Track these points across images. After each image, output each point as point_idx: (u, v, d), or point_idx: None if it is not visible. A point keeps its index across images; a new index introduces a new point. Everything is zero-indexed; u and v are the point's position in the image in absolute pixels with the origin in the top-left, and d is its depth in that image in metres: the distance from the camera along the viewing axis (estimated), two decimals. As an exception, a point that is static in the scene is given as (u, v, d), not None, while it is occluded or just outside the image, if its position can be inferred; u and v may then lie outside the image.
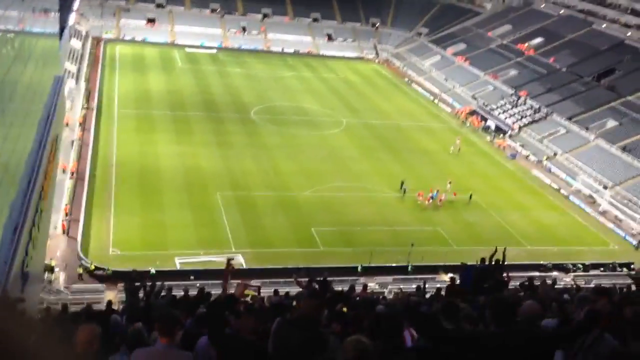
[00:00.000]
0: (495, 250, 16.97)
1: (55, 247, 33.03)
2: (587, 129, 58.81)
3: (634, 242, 42.96)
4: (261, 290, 23.44)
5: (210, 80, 69.28)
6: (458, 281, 16.87)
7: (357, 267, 34.81)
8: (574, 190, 50.56)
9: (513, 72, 75.00)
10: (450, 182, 46.26)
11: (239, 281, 8.63)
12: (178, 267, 33.12)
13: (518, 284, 18.71)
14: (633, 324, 6.43)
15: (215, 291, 24.31)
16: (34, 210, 24.11)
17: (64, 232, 34.93)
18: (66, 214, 36.31)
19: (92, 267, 31.92)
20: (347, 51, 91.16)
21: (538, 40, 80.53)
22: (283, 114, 60.82)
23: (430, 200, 44.18)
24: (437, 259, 36.30)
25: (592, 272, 38.00)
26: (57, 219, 35.30)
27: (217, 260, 33.12)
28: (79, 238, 34.39)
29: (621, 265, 39.21)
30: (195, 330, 8.90)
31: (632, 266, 39.27)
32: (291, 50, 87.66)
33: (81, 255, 32.97)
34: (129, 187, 41.27)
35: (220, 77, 70.89)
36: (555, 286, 22.57)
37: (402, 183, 45.37)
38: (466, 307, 10.03)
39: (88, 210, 37.32)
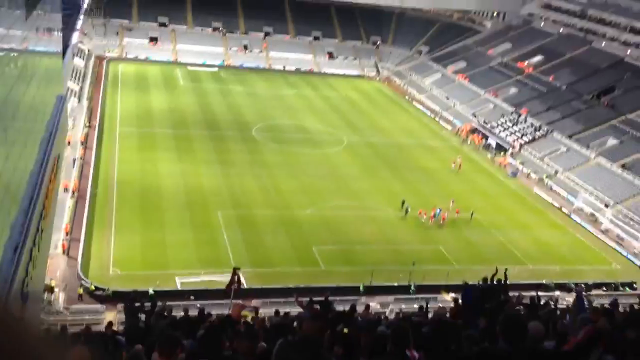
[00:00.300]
0: (497, 271, 16.93)
1: (56, 266, 32.92)
2: (587, 147, 58.90)
3: (638, 262, 42.75)
4: (262, 310, 23.35)
5: (211, 98, 69.59)
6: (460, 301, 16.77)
7: (359, 287, 34.59)
8: (576, 209, 50.47)
9: (513, 90, 75.28)
10: (453, 201, 46.20)
11: (238, 301, 8.62)
12: (179, 286, 32.97)
13: (520, 300, 18.61)
14: (634, 345, 6.38)
15: (216, 311, 24.24)
16: (34, 230, 24.10)
17: (64, 252, 34.81)
18: (67, 234, 36.23)
19: (92, 288, 31.78)
20: (348, 69, 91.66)
21: (538, 58, 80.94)
22: (284, 132, 60.99)
23: (433, 219, 44.11)
24: (439, 278, 36.15)
25: (594, 292, 37.70)
26: (58, 239, 35.22)
27: (217, 279, 33.03)
28: (79, 258, 34.29)
29: (623, 284, 39.01)
30: (199, 350, 8.85)
31: (634, 285, 39.06)
32: (293, 69, 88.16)
33: (81, 275, 32.86)
34: (130, 205, 41.26)
35: (221, 95, 71.21)
36: (558, 305, 22.44)
37: (403, 202, 45.24)
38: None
39: (89, 230, 37.28)
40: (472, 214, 45.47)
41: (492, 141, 65.15)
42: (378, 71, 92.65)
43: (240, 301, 21.79)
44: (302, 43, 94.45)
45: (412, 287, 35.47)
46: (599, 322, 8.40)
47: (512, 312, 12.64)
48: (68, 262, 34.10)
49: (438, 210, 44.68)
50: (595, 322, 7.88)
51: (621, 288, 38.58)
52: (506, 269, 17.19)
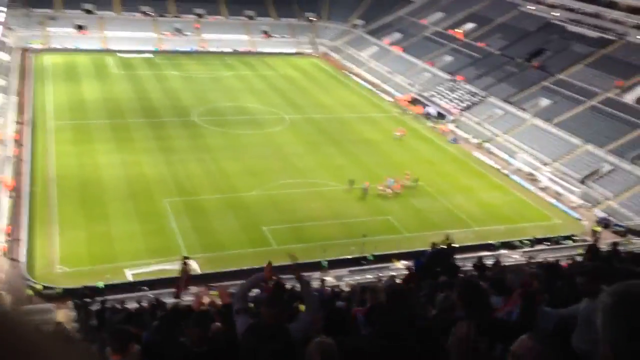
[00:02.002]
0: (447, 238, 17.42)
1: (-1, 269, 31.80)
2: (523, 109, 60.70)
3: (575, 215, 44.62)
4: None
5: (147, 85, 67.89)
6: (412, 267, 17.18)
7: (320, 262, 34.71)
8: (515, 169, 52.11)
9: (448, 58, 76.55)
10: (407, 174, 46.65)
11: (200, 289, 8.58)
12: (130, 278, 32.40)
13: (471, 265, 19.20)
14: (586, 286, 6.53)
15: (170, 300, 23.99)
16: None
17: (6, 254, 33.59)
18: (8, 235, 34.94)
19: (40, 287, 30.87)
20: (285, 47, 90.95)
21: (470, 25, 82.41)
22: (225, 115, 60.25)
23: (388, 190, 44.46)
24: (391, 248, 36.81)
25: (537, 247, 39.25)
26: (-1, 241, 34.05)
27: (169, 268, 32.60)
28: (24, 258, 33.18)
29: (565, 237, 40.72)
30: (155, 340, 8.74)
31: (574, 237, 40.81)
32: (229, 50, 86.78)
33: (27, 276, 31.82)
34: (72, 200, 40.07)
35: (157, 81, 69.56)
36: (503, 264, 23.27)
37: (352, 182, 44.95)
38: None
39: (31, 229, 36.05)
40: (416, 181, 46.21)
41: (432, 109, 66.25)
42: (315, 47, 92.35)
43: (198, 289, 21.48)
44: (236, 23, 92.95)
45: (370, 256, 35.98)
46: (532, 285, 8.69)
47: (470, 279, 13.00)
48: (12, 263, 32.94)
49: (391, 180, 45.09)
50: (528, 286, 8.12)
51: (562, 242, 40.24)
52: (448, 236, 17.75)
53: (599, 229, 41.30)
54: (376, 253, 36.23)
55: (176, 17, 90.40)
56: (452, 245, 17.20)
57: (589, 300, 5.91)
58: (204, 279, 32.03)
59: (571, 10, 75.37)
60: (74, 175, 43.67)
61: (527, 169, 51.87)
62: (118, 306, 22.86)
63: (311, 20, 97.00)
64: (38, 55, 74.99)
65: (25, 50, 75.18)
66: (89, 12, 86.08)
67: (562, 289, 9.19)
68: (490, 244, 38.38)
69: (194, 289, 23.12)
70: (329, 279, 31.05)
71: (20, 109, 55.55)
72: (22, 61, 71.02)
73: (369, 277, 33.26)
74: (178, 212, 39.72)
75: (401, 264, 33.92)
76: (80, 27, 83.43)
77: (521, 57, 70.99)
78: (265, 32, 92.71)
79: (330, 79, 79.15)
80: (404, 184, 45.66)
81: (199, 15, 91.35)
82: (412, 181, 46.16)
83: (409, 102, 68.74)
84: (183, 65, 77.87)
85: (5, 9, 65.29)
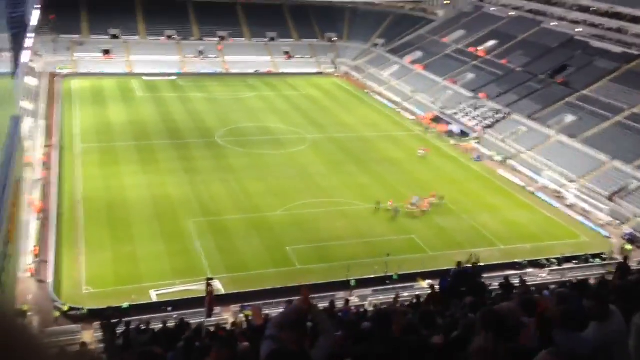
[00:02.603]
0: (471, 256, 17.21)
1: (27, 290, 32.21)
2: (547, 125, 60.11)
3: (604, 233, 43.79)
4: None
5: (171, 107, 68.81)
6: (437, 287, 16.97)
7: (345, 281, 34.57)
8: (541, 187, 51.46)
9: (470, 76, 76.34)
10: (433, 194, 46.47)
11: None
12: (154, 299, 32.55)
13: (497, 284, 18.92)
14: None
15: (195, 320, 24.03)
16: (1, 256, 23.51)
17: (34, 275, 34.03)
18: (35, 256, 35.42)
19: (67, 308, 31.15)
20: (306, 67, 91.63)
21: (491, 42, 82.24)
22: (248, 135, 60.68)
23: (415, 207, 44.40)
24: (415, 267, 36.49)
25: (566, 266, 38.58)
26: (27, 262, 34.52)
27: (194, 288, 32.76)
28: (51, 279, 33.56)
29: (593, 256, 39.95)
30: (181, 359, 8.75)
31: (603, 256, 40.02)
32: (251, 71, 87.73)
33: (54, 296, 32.17)
34: (98, 222, 40.55)
35: (181, 103, 70.48)
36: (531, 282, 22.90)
37: (379, 203, 44.59)
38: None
39: (58, 250, 36.49)
40: (442, 198, 46.07)
41: (455, 127, 65.95)
42: (336, 67, 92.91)
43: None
44: (258, 45, 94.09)
45: (395, 276, 35.66)
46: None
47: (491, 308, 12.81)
48: (39, 284, 33.34)
49: (416, 199, 45.03)
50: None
51: (591, 260, 39.49)
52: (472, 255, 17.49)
53: (629, 247, 40.49)
54: (400, 272, 35.91)
55: (199, 40, 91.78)
56: (478, 264, 16.99)
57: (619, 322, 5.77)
58: (228, 300, 32.18)
59: (594, 26, 74.91)
60: (100, 197, 44.24)
61: (553, 186, 51.19)
62: (143, 327, 22.95)
63: (332, 41, 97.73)
64: (65, 79, 76.63)
65: (53, 75, 76.90)
66: (114, 37, 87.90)
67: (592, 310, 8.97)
68: (517, 263, 37.84)
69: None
70: (353, 299, 30.87)
71: (48, 133, 56.62)
72: (50, 86, 72.58)
73: (394, 296, 32.98)
74: (202, 232, 39.92)
75: (426, 283, 33.59)
76: (106, 52, 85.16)
77: (544, 73, 70.53)
78: (287, 53, 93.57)
79: (352, 98, 79.39)
80: (430, 201, 45.54)
81: (222, 38, 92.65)
82: (438, 199, 46.06)
83: (431, 120, 68.57)
84: (206, 87, 78.84)
85: (33, 35, 66.87)
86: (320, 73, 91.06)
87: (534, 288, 18.11)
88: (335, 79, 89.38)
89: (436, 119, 68.58)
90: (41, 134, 55.06)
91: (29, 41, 64.40)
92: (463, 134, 64.36)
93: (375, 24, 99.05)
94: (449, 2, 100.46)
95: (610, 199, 47.73)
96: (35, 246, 36.33)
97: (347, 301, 25.23)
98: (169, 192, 45.91)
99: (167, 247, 37.71)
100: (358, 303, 32.75)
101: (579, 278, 26.24)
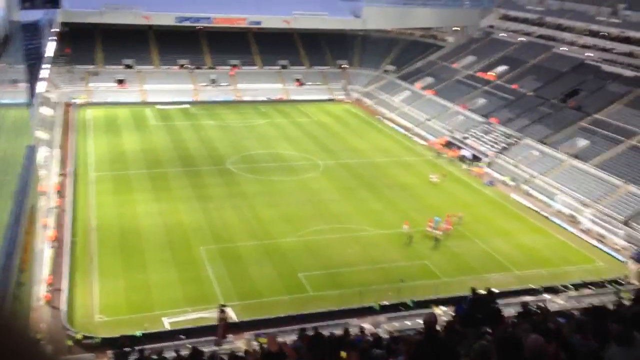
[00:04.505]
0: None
1: (40, 319, 32.20)
2: (559, 150, 59.85)
3: (621, 258, 43.23)
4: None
5: (184, 134, 69.39)
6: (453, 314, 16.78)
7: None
8: (555, 211, 51.06)
9: (482, 101, 76.45)
10: (449, 215, 46.64)
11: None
12: (167, 327, 32.42)
13: (514, 310, 18.66)
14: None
15: (208, 349, 23.90)
16: (14, 285, 23.58)
17: (47, 303, 34.09)
18: (49, 284, 35.53)
19: (80, 337, 31.11)
20: (317, 94, 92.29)
21: (502, 67, 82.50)
22: (260, 162, 60.95)
23: (437, 231, 44.28)
24: (429, 293, 36.13)
25: (582, 292, 38.03)
26: (40, 291, 34.60)
27: (207, 316, 32.66)
28: (64, 307, 33.59)
29: (610, 282, 39.38)
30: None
31: (620, 281, 39.46)
32: (263, 98, 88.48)
33: (67, 325, 32.16)
34: (111, 250, 40.68)
35: (194, 131, 71.07)
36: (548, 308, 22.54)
37: (410, 237, 44.04)
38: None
39: (71, 279, 36.56)
40: (461, 218, 46.66)
41: (466, 152, 65.87)
42: (347, 94, 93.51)
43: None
44: (270, 73, 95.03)
45: (410, 303, 35.28)
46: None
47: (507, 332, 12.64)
48: (52, 313, 33.36)
49: (437, 220, 44.87)
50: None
51: (607, 285, 38.92)
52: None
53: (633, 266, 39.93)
54: (414, 299, 35.55)
55: (212, 68, 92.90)
56: (492, 290, 16.81)
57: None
58: (241, 327, 32.00)
59: (605, 50, 75.04)
60: (113, 225, 44.45)
61: (567, 210, 50.76)
62: (155, 357, 22.84)
63: (343, 68, 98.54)
64: (80, 109, 77.66)
65: (68, 105, 77.98)
66: (128, 67, 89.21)
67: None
68: (533, 289, 37.35)
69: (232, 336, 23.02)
70: (367, 326, 30.56)
71: (63, 162, 57.19)
72: (64, 115, 73.55)
73: (408, 323, 32.67)
74: (214, 259, 39.89)
75: (440, 310, 33.24)
76: (120, 82, 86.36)
77: (556, 97, 70.49)
78: (298, 80, 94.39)
79: (363, 124, 79.68)
80: (452, 221, 45.72)
81: (234, 66, 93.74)
82: (458, 218, 46.55)
83: (443, 145, 68.58)
84: (219, 114, 79.52)
85: (49, 66, 68.01)
86: (332, 99, 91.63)
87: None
88: (346, 105, 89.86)
89: (448, 144, 68.58)
90: (56, 163, 55.64)
91: (45, 72, 65.50)
92: (475, 158, 64.23)
93: (386, 51, 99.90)
94: (458, 28, 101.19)
95: (625, 223, 47.21)
96: (48, 275, 36.45)
97: (362, 329, 24.94)
98: (182, 219, 46.05)
99: (179, 275, 37.69)
100: (372, 330, 32.46)
101: (596, 304, 25.82)
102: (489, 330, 11.71)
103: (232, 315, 33.00)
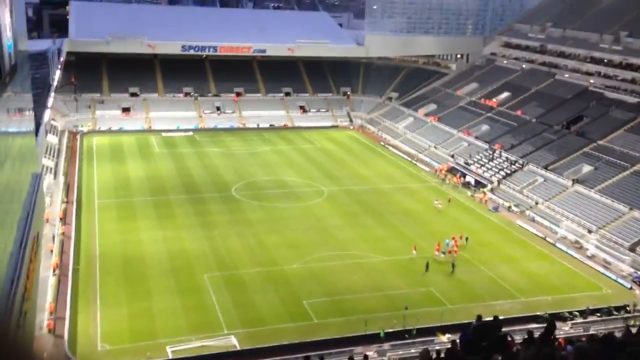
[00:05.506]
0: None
1: (42, 348, 31.95)
2: (563, 176, 59.78)
3: (627, 285, 42.84)
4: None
5: (188, 162, 69.66)
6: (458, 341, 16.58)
7: (351, 337, 33.99)
8: (560, 238, 50.79)
9: (485, 127, 76.68)
10: (461, 237, 48.20)
11: None
12: (170, 356, 32.11)
13: (520, 337, 18.43)
14: None
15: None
16: (17, 313, 23.48)
17: (50, 332, 33.86)
18: (51, 313, 35.34)
19: (81, 365, 30.82)
20: (321, 121, 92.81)
21: (505, 94, 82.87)
22: (264, 189, 61.01)
23: (446, 254, 45.49)
24: (434, 320, 35.79)
25: (589, 319, 37.61)
26: (43, 319, 34.41)
27: (210, 344, 32.39)
28: (66, 336, 33.35)
29: (617, 308, 38.95)
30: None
31: (627, 308, 39.03)
32: (266, 125, 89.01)
33: (69, 354, 31.90)
34: (114, 277, 40.53)
35: (198, 158, 71.36)
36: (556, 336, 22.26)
37: (427, 264, 43.89)
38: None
39: (73, 307, 36.38)
40: (467, 239, 48.22)
41: (471, 178, 65.85)
42: (351, 120, 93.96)
43: None
44: (274, 100, 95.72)
45: (414, 331, 34.89)
46: None
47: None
48: (55, 341, 33.11)
49: (447, 241, 46.41)
50: None
51: (615, 312, 38.49)
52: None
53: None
54: (419, 326, 35.17)
55: (216, 96, 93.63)
56: (498, 317, 16.62)
57: None
58: (245, 356, 31.66)
59: (608, 77, 75.45)
60: (116, 252, 44.37)
61: (572, 237, 50.49)
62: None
63: (346, 95, 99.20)
64: (86, 136, 78.21)
65: (73, 133, 78.57)
66: (134, 94, 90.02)
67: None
68: (539, 316, 36.94)
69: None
70: (371, 354, 30.25)
71: (68, 189, 57.35)
72: (71, 143, 74.03)
73: (412, 351, 32.30)
74: (218, 287, 39.68)
75: (445, 338, 32.92)
76: (125, 109, 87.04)
77: (559, 124, 70.66)
78: (302, 107, 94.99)
79: (367, 150, 79.89)
80: (458, 243, 46.81)
81: (238, 94, 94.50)
82: (464, 240, 48.04)
83: (446, 171, 68.62)
84: (223, 141, 79.92)
85: (53, 94, 68.74)
86: (336, 126, 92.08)
87: (556, 343, 17.61)
88: (350, 131, 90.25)
89: (452, 170, 68.62)
90: (60, 190, 55.79)
91: (51, 100, 66.20)
92: (479, 184, 64.18)
93: (389, 78, 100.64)
94: (461, 56, 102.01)
95: (631, 249, 46.89)
96: (51, 303, 36.28)
97: (366, 357, 24.66)
98: (185, 246, 45.96)
99: (183, 302, 37.47)
100: (377, 358, 32.14)
101: (602, 331, 25.50)
102: (498, 358, 11.57)
103: (235, 343, 32.66)
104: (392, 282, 41.57)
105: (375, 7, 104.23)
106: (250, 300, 38.15)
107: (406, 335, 34.81)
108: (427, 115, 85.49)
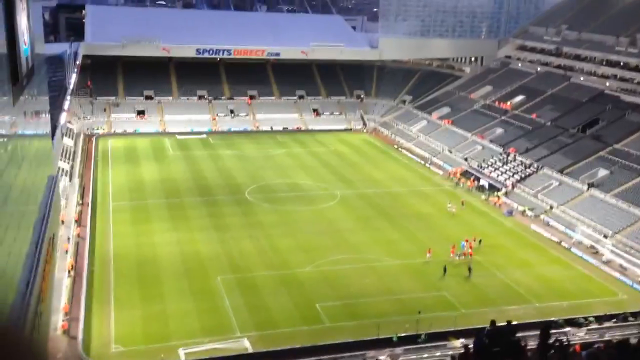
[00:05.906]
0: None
1: (57, 348, 32.24)
2: (579, 180, 59.28)
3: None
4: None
5: (202, 164, 69.98)
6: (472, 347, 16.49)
7: (364, 341, 33.87)
8: (575, 242, 50.34)
9: (499, 131, 76.27)
10: (475, 240, 48.11)
11: None
12: (183, 358, 32.24)
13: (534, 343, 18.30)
14: None
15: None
16: (32, 314, 23.70)
17: (64, 333, 34.15)
18: (66, 313, 35.64)
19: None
20: (334, 124, 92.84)
21: (519, 97, 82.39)
22: (277, 192, 61.12)
23: (461, 257, 45.66)
24: (447, 325, 35.60)
25: (605, 325, 37.19)
26: (57, 320, 34.70)
27: (222, 347, 32.47)
28: (80, 337, 33.62)
29: (633, 314, 38.50)
30: None
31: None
32: (280, 128, 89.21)
33: (83, 355, 32.14)
34: (128, 279, 40.80)
35: (212, 161, 71.66)
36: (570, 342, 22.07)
37: (445, 268, 43.74)
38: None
39: (88, 308, 36.68)
40: (480, 242, 48.24)
41: (484, 182, 65.49)
42: (364, 123, 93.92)
43: None
44: (288, 103, 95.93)
45: (423, 337, 34.71)
46: None
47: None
48: (69, 342, 33.39)
49: (463, 243, 46.53)
50: None
51: (631, 318, 38.05)
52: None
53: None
54: (432, 331, 34.99)
55: (230, 99, 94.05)
56: (512, 322, 16.53)
57: None
58: (257, 359, 31.72)
59: (624, 80, 74.75)
60: (130, 254, 44.67)
61: (587, 241, 50.02)
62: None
63: (360, 98, 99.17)
64: (101, 139, 78.89)
65: (89, 135, 79.29)
66: (149, 98, 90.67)
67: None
68: (553, 321, 36.58)
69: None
70: (383, 358, 30.17)
71: (83, 191, 57.85)
72: (86, 145, 74.71)
73: (425, 356, 32.18)
74: (231, 289, 39.79)
75: (459, 343, 32.73)
76: (140, 112, 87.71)
77: (575, 127, 70.10)
78: (316, 110, 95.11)
79: (380, 153, 79.77)
80: (472, 245, 46.86)
81: (252, 97, 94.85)
82: (477, 242, 47.99)
83: (460, 175, 68.32)
84: (236, 144, 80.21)
85: (69, 97, 69.40)
86: (349, 129, 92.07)
87: (571, 349, 17.47)
88: (363, 135, 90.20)
89: (465, 174, 68.31)
90: (76, 193, 56.28)
91: (67, 103, 66.84)
92: (493, 188, 63.80)
93: (403, 81, 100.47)
94: (475, 59, 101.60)
95: (648, 254, 46.37)
96: (65, 304, 36.59)
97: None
98: (199, 249, 46.15)
99: (196, 305, 37.62)
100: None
101: (618, 338, 25.29)
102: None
103: (247, 345, 32.71)
104: (405, 286, 41.44)
105: (389, 10, 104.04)
106: (263, 303, 38.21)
107: (418, 340, 34.64)
108: (440, 118, 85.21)
